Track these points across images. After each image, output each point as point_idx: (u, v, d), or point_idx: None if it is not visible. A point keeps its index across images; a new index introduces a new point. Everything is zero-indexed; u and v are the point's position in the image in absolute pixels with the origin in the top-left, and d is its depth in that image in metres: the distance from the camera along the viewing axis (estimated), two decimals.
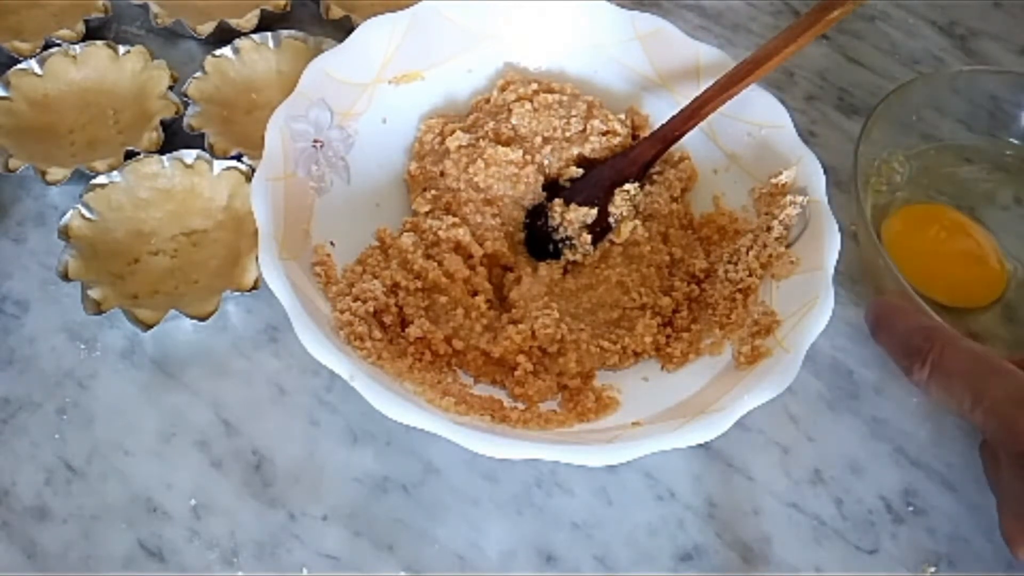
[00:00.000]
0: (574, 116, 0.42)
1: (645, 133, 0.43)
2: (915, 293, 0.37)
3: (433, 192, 0.41)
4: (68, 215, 0.41)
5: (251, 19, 0.50)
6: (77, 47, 0.48)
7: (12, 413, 0.38)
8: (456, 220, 0.40)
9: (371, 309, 0.35)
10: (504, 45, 0.45)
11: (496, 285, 0.40)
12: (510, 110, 0.42)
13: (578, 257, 0.40)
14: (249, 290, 0.39)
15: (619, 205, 0.40)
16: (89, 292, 0.38)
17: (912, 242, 0.43)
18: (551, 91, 0.43)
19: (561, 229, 0.40)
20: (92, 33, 0.50)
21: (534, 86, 0.43)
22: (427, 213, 0.41)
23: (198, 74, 0.47)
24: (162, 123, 0.45)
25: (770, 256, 0.36)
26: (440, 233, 0.39)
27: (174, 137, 0.45)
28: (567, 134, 0.42)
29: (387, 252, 0.39)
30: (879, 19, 0.58)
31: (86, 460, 0.37)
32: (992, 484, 0.34)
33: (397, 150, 0.43)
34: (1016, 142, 0.47)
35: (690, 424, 0.31)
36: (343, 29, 0.47)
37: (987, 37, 0.57)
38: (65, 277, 0.39)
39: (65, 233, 0.40)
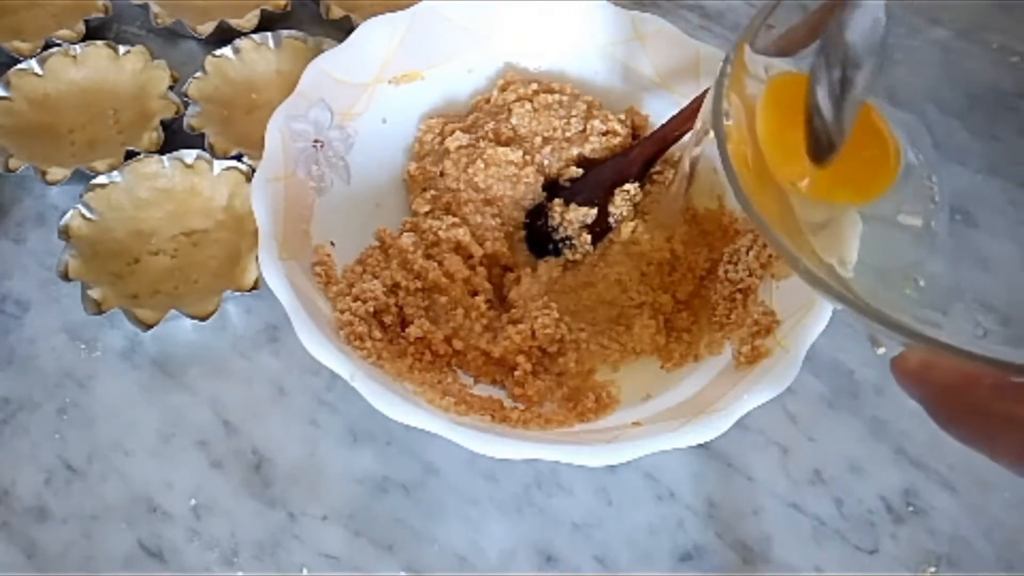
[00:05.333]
0: (574, 116, 0.42)
1: (645, 133, 0.43)
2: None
3: (433, 192, 0.41)
4: (68, 215, 0.41)
5: (251, 19, 0.50)
6: (77, 47, 0.48)
7: (12, 413, 0.38)
8: (456, 220, 0.40)
9: (371, 309, 0.35)
10: (504, 45, 0.45)
11: (496, 285, 0.40)
12: (510, 110, 0.42)
13: (578, 257, 0.40)
14: (249, 290, 0.39)
15: (619, 205, 0.40)
16: (89, 292, 0.38)
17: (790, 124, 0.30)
18: (551, 91, 0.43)
19: (561, 229, 0.40)
20: (92, 33, 0.50)
21: (534, 86, 0.43)
22: (427, 213, 0.41)
23: (198, 74, 0.47)
24: (162, 123, 0.45)
25: (770, 256, 0.36)
26: (440, 233, 0.39)
27: (174, 137, 0.45)
28: (567, 134, 0.42)
29: (387, 252, 0.39)
30: None
31: (86, 460, 0.37)
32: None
33: (397, 150, 0.43)
34: None
35: (690, 424, 0.31)
36: (343, 29, 0.47)
37: None
38: (65, 277, 0.39)
39: (65, 233, 0.40)
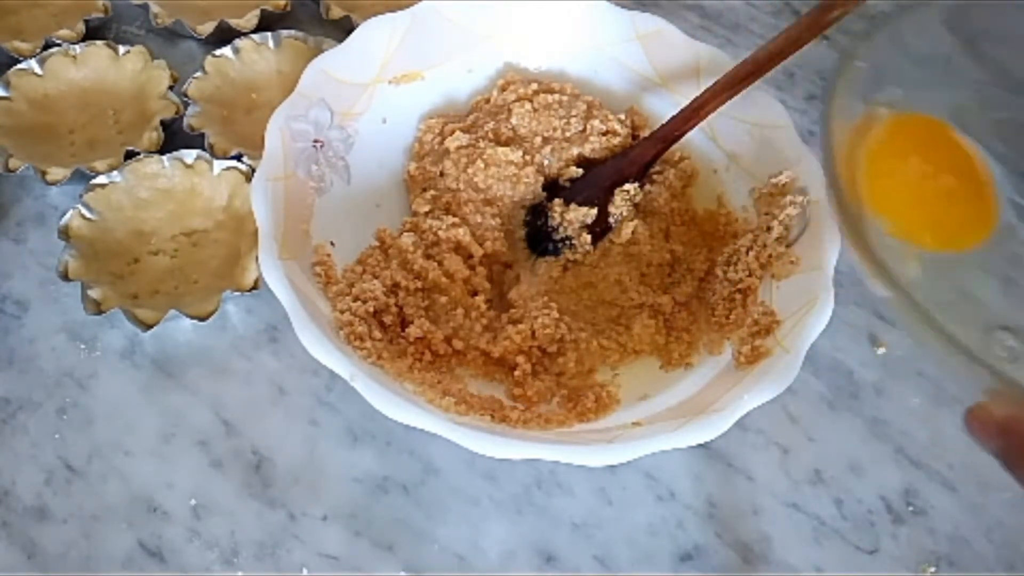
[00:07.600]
0: (574, 116, 0.42)
1: (645, 133, 0.43)
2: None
3: (433, 192, 0.41)
4: (68, 215, 0.41)
5: (251, 19, 0.50)
6: (77, 47, 0.48)
7: (12, 413, 0.38)
8: (456, 220, 0.40)
9: (371, 309, 0.35)
10: (504, 45, 0.45)
11: (496, 284, 0.40)
12: (510, 110, 0.42)
13: (578, 257, 0.40)
14: (249, 290, 0.39)
15: (619, 205, 0.40)
16: (89, 292, 0.38)
17: (898, 165, 0.31)
18: (551, 91, 0.43)
19: (561, 229, 0.40)
20: (92, 33, 0.50)
21: (534, 86, 0.43)
22: (427, 213, 0.41)
23: (198, 74, 0.47)
24: (162, 123, 0.45)
25: (770, 256, 0.36)
26: (440, 233, 0.39)
27: (174, 137, 0.45)
28: (567, 134, 0.42)
29: (387, 252, 0.39)
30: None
31: (86, 460, 0.37)
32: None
33: (397, 150, 0.43)
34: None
35: (690, 424, 0.31)
36: (343, 29, 0.47)
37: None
38: (65, 277, 0.39)
39: (65, 233, 0.40)
